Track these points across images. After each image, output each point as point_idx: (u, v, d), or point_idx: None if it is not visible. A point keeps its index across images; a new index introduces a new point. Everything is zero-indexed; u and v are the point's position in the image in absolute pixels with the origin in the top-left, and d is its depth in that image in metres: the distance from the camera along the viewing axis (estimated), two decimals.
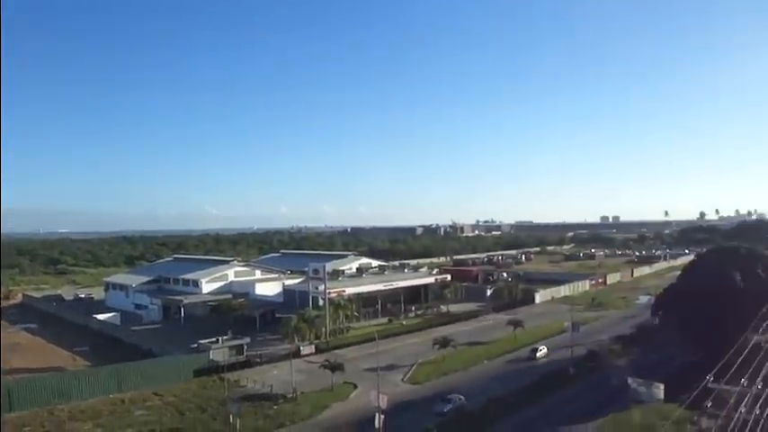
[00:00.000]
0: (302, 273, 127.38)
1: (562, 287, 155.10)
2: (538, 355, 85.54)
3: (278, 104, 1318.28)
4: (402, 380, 75.75)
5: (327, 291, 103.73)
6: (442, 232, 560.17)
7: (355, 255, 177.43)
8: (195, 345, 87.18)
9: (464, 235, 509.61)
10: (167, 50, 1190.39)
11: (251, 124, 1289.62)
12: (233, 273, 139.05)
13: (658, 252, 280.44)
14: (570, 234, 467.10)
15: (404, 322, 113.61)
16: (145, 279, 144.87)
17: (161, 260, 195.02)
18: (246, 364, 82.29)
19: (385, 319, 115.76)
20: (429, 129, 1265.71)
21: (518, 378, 73.44)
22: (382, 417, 54.00)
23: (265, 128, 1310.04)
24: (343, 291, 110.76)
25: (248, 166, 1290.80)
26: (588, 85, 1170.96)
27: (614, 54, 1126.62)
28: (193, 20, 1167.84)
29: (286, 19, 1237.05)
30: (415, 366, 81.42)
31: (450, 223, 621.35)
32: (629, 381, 64.35)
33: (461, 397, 62.61)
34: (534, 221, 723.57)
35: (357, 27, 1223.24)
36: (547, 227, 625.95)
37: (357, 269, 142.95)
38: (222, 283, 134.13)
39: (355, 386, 71.72)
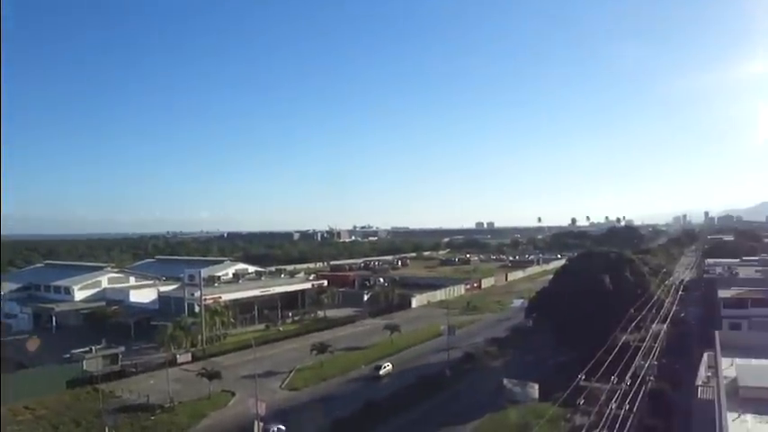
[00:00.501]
0: (178, 279, 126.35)
1: (438, 291, 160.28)
2: (381, 372, 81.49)
3: (155, 107, 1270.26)
4: (280, 386, 77.26)
5: (203, 297, 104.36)
6: (319, 238, 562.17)
7: (231, 260, 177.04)
8: (68, 355, 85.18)
9: (341, 240, 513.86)
10: None
11: (126, 125, 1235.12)
12: (107, 279, 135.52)
13: (531, 257, 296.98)
14: (446, 239, 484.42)
15: (281, 328, 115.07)
16: (14, 286, 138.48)
17: (31, 266, 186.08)
18: (122, 373, 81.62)
19: (262, 326, 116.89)
20: (305, 135, 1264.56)
21: (395, 381, 76.99)
22: (261, 424, 56.35)
23: (139, 130, 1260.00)
24: (220, 297, 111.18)
25: (121, 170, 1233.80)
26: (465, 95, 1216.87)
27: (485, 63, 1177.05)
28: None
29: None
30: (293, 372, 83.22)
31: (328, 229, 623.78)
32: (505, 381, 68.46)
33: (281, 426, 58.91)
34: (411, 227, 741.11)
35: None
36: (423, 232, 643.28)
37: (233, 275, 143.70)
38: (96, 291, 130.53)
39: (233, 394, 72.80)
